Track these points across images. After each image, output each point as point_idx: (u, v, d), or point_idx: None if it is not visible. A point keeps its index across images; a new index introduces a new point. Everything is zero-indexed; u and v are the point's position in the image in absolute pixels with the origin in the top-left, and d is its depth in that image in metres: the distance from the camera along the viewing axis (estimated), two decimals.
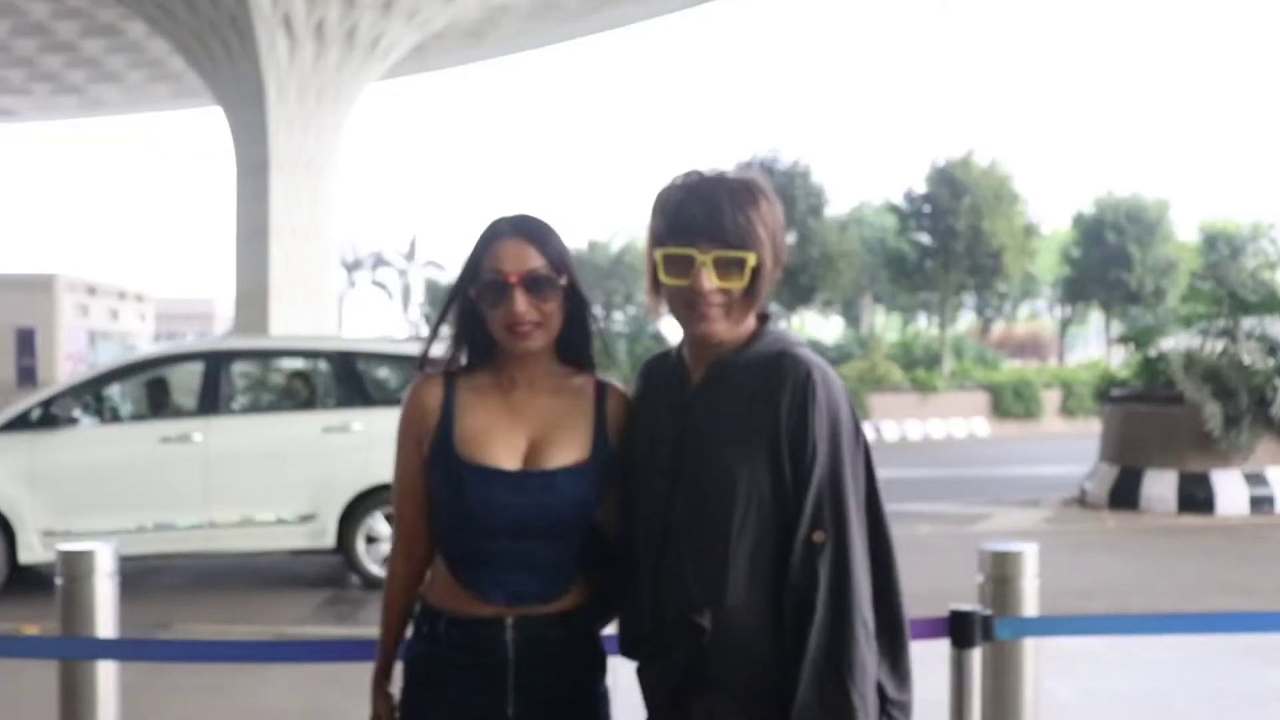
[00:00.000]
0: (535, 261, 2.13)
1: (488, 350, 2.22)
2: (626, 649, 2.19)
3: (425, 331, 34.58)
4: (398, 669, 2.30)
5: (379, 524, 8.69)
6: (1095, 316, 51.07)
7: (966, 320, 56.56)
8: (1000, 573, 4.55)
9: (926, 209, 34.86)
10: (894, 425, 28.86)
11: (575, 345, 2.23)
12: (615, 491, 2.22)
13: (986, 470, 19.58)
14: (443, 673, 2.17)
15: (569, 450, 2.16)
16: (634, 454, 2.16)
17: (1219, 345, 14.85)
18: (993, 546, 4.62)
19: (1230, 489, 13.54)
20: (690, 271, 2.00)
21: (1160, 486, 13.77)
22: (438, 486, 2.19)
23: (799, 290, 33.53)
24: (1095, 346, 59.85)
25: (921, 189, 35.16)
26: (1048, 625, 3.74)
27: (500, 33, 32.96)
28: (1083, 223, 42.10)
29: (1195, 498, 13.51)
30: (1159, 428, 14.09)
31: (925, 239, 35.35)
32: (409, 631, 2.30)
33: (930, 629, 3.02)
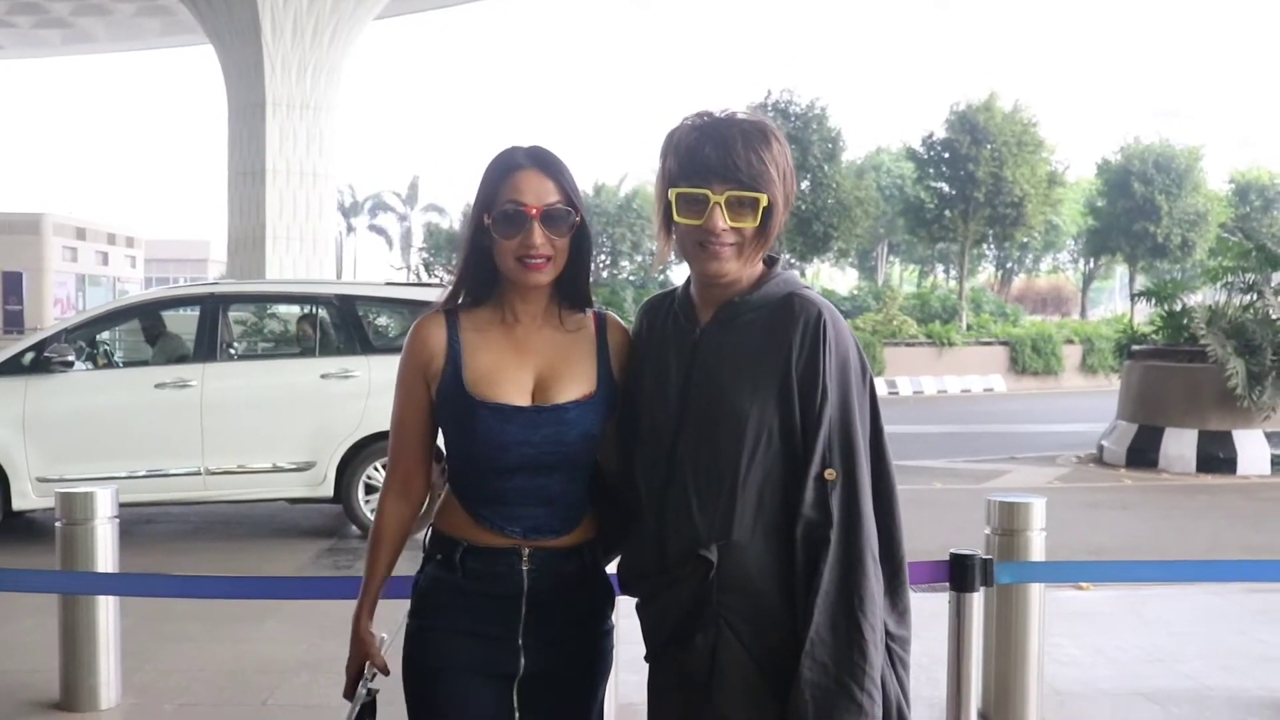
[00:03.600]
0: (554, 196, 2.21)
1: (490, 286, 2.29)
2: (628, 585, 2.30)
3: (425, 277, 34.60)
4: (380, 611, 2.37)
5: (378, 472, 8.84)
6: (1120, 270, 50.98)
7: (986, 272, 56.51)
8: (1007, 524, 4.70)
9: (946, 155, 34.68)
10: (909, 380, 28.99)
11: (575, 282, 2.30)
12: (613, 427, 2.31)
13: (1003, 427, 19.70)
14: (457, 599, 2.26)
15: (577, 384, 2.25)
16: (638, 392, 2.26)
17: (1245, 300, 14.94)
18: (1000, 498, 4.77)
19: (1252, 448, 13.66)
20: (704, 211, 2.09)
21: (1180, 445, 13.90)
22: (450, 426, 2.28)
23: (812, 239, 33.41)
24: (1120, 301, 59.79)
25: (941, 134, 34.97)
26: (1048, 570, 3.87)
27: None
28: (1108, 171, 41.87)
29: (1216, 457, 13.64)
30: (1180, 385, 14.19)
31: (944, 187, 35.20)
32: (398, 567, 2.38)
33: (932, 573, 3.14)
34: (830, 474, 2.06)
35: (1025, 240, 44.32)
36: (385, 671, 2.32)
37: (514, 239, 2.20)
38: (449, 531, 2.29)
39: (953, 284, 45.87)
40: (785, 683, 2.05)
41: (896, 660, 2.13)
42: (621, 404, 2.30)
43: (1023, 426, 19.82)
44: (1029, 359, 31.18)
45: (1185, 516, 10.87)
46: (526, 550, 2.24)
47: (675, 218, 2.13)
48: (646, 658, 2.28)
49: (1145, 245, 40.20)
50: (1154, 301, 16.72)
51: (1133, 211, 39.94)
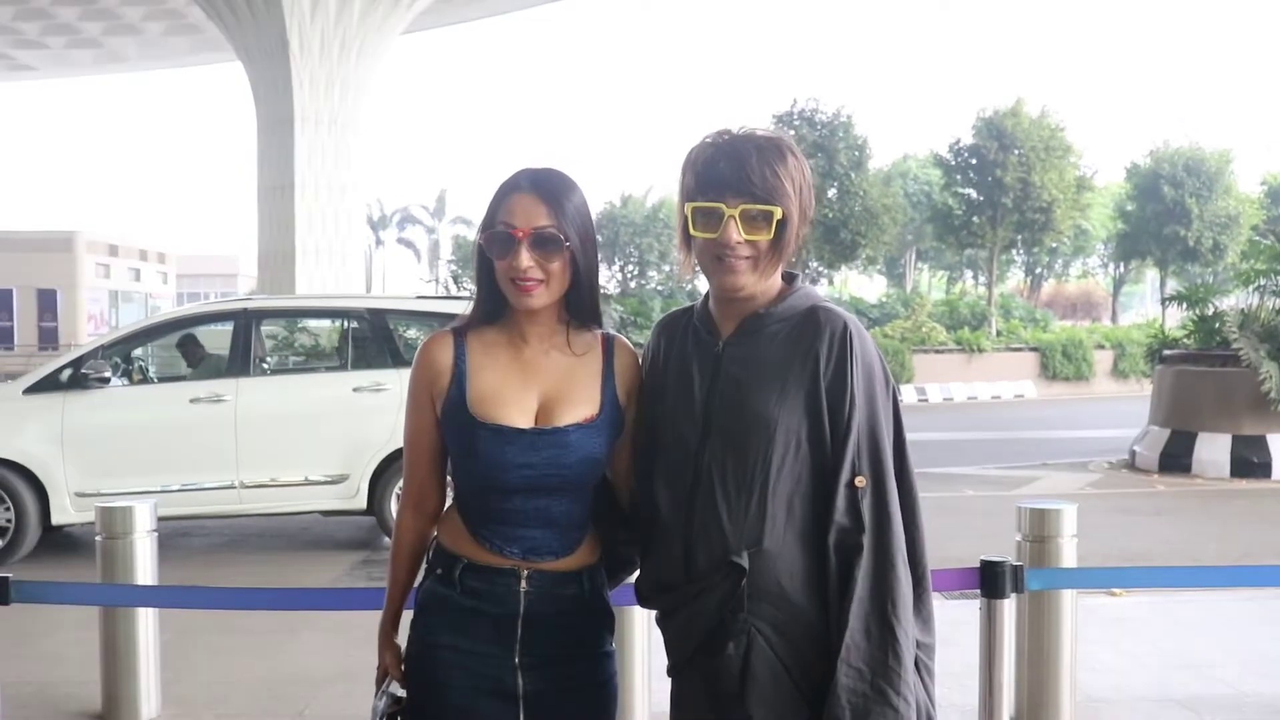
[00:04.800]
0: (544, 220, 2.21)
1: (501, 305, 2.31)
2: (648, 599, 2.33)
3: (455, 290, 34.76)
4: (404, 619, 2.42)
5: None
6: (1151, 274, 50.71)
7: (1015, 278, 56.29)
8: (1038, 531, 4.71)
9: (973, 161, 34.62)
10: (938, 387, 28.89)
11: (582, 305, 2.32)
12: (628, 446, 2.35)
13: (1034, 433, 19.63)
14: (454, 615, 2.29)
15: (580, 407, 2.27)
16: (658, 406, 2.30)
17: (1278, 303, 14.84)
18: (1031, 504, 4.78)
19: None
20: (719, 225, 2.14)
21: (1213, 450, 13.81)
22: (452, 445, 2.31)
23: (840, 247, 33.39)
24: (1151, 305, 59.40)
25: (968, 140, 34.89)
26: (1079, 577, 3.88)
27: None
28: (1137, 175, 41.67)
29: (1250, 462, 13.54)
30: (1213, 389, 14.11)
31: (972, 193, 35.12)
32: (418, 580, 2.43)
33: (963, 579, 3.16)
34: (860, 481, 2.10)
35: (1054, 245, 44.11)
36: (403, 682, 2.35)
37: (504, 260, 2.22)
38: (450, 546, 2.33)
39: (981, 290, 45.76)
40: (815, 688, 2.09)
41: (922, 667, 2.16)
42: (642, 419, 2.33)
43: (1054, 432, 19.75)
44: (1059, 365, 31.04)
45: (1220, 521, 10.80)
46: (525, 571, 2.27)
47: (692, 231, 2.19)
48: (670, 670, 2.30)
49: (1176, 249, 39.98)
50: (1185, 305, 16.64)
51: (1162, 215, 39.73)
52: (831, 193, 32.21)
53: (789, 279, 2.27)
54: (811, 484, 2.13)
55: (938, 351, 30.03)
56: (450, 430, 2.29)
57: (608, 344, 2.37)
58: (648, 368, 2.36)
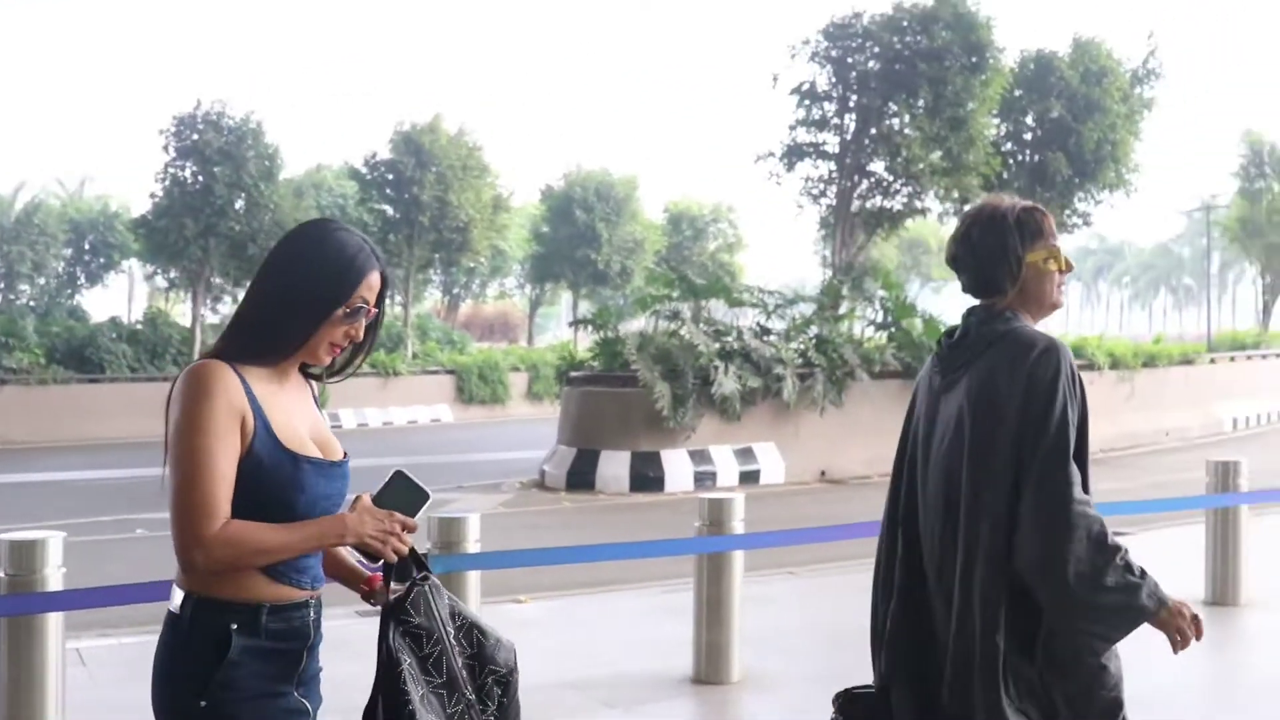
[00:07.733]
0: (375, 300, 2.64)
1: (269, 350, 2.51)
2: None
3: None
4: None
5: None
6: (566, 296, 54.67)
7: (432, 298, 58.36)
8: (447, 539, 5.67)
9: (390, 177, 35.73)
10: (352, 412, 29.88)
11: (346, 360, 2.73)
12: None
13: (450, 457, 20.97)
14: (266, 663, 2.42)
15: (335, 440, 2.63)
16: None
17: (671, 327, 17.12)
18: (442, 514, 5.74)
19: (678, 467, 15.80)
20: (1061, 258, 3.04)
21: (615, 466, 15.80)
22: (268, 480, 2.41)
23: (247, 262, 33.23)
24: (565, 328, 63.89)
25: (385, 154, 35.97)
26: (484, 560, 4.84)
27: None
28: (552, 197, 45.10)
29: (646, 476, 15.61)
30: (614, 409, 16.11)
31: (389, 209, 36.20)
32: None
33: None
34: None
35: (472, 265, 46.46)
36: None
37: (348, 328, 2.58)
38: (244, 597, 2.41)
39: (397, 310, 47.16)
40: None
41: None
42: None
43: (470, 456, 21.18)
44: (476, 387, 33.00)
45: (616, 532, 12.45)
46: (313, 600, 2.53)
47: (1055, 268, 3.04)
48: None
49: (587, 272, 43.68)
50: (592, 328, 18.63)
51: (575, 238, 43.27)
52: (239, 204, 32.01)
53: None
54: None
55: (352, 375, 30.81)
56: (265, 465, 2.40)
57: (309, 381, 2.72)
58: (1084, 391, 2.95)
